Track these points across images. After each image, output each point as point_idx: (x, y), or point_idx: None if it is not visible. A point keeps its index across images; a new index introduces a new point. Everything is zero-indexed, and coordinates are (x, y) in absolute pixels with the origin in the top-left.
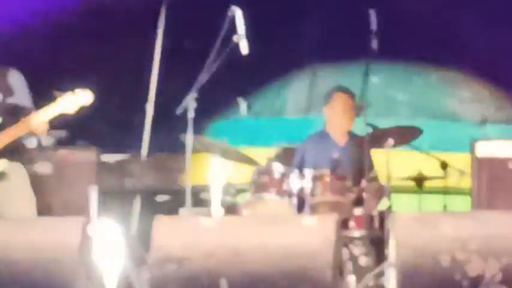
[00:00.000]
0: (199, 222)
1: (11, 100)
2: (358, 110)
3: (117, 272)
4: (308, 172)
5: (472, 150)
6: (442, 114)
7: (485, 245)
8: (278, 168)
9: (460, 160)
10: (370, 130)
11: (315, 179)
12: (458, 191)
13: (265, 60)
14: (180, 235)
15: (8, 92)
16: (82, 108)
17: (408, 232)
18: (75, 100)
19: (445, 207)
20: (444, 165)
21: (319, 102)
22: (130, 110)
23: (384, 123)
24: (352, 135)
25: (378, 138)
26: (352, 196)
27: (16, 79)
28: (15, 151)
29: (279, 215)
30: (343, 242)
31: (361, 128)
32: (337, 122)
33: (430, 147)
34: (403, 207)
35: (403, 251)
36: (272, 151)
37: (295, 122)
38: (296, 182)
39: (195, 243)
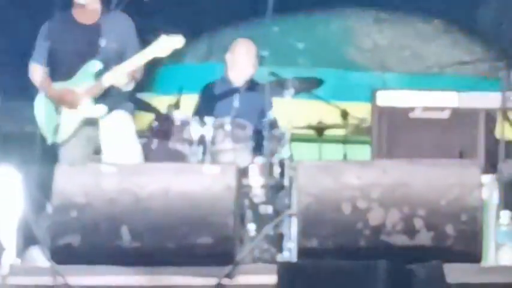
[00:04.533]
0: (100, 169)
1: (114, 45)
2: (259, 59)
3: (16, 219)
4: (208, 120)
5: (372, 99)
6: (342, 64)
7: (386, 194)
8: (178, 115)
9: (360, 109)
10: (272, 79)
11: (216, 126)
12: (358, 140)
13: (164, 6)
14: (81, 182)
15: (113, 36)
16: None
17: (310, 180)
18: (169, 44)
19: (345, 156)
20: (344, 114)
21: (219, 49)
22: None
23: (284, 72)
24: (253, 83)
25: (279, 86)
26: (252, 144)
27: (122, 23)
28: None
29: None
30: (244, 190)
31: (263, 77)
32: (239, 67)
33: (331, 97)
34: (303, 156)
35: (305, 198)
36: (172, 99)
37: (195, 69)
38: (197, 130)
39: (96, 190)
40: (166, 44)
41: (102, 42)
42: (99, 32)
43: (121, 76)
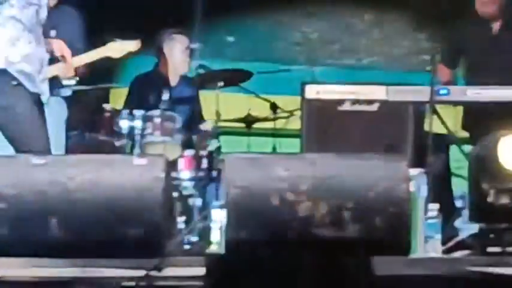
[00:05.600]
0: (30, 160)
1: (62, 38)
2: (191, 52)
3: None
4: (138, 112)
5: (301, 93)
6: (271, 57)
7: (315, 186)
8: (107, 107)
9: (289, 102)
10: (201, 71)
11: (145, 119)
12: (287, 133)
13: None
14: (10, 174)
15: (61, 30)
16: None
17: (238, 172)
18: (123, 46)
19: (274, 149)
20: (274, 107)
21: (147, 43)
22: None
23: (213, 65)
24: (183, 76)
25: (208, 79)
26: (181, 137)
27: (70, 18)
28: None
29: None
30: (173, 182)
31: (192, 70)
32: (172, 61)
33: (260, 90)
34: (232, 149)
35: (233, 191)
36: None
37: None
38: (126, 122)
39: (26, 182)
40: (121, 46)
41: (52, 33)
42: (50, 22)
43: (68, 69)
